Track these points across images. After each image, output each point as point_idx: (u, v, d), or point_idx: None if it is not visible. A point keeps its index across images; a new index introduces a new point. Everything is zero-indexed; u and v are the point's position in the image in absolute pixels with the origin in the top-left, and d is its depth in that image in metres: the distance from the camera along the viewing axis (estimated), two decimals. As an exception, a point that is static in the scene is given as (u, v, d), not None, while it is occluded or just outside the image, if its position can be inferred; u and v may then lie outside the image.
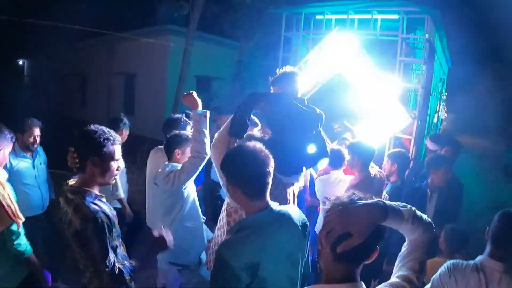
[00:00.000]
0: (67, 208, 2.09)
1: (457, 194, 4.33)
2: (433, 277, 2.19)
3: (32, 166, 4.14)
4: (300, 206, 2.34)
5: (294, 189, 3.21)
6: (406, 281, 1.44)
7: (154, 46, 13.49)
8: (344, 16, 6.64)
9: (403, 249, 1.58)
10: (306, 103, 3.20)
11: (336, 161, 4.30)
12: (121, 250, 2.32)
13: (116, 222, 2.27)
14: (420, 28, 6.47)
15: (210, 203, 5.11)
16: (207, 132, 3.18)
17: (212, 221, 4.24)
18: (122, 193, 4.50)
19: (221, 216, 2.93)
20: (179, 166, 3.37)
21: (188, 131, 4.29)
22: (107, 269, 2.05)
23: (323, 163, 4.39)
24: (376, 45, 6.48)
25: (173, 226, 3.35)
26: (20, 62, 28.42)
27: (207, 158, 3.20)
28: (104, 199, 2.26)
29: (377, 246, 1.41)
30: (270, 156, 1.98)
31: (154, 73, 15.05)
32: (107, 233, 2.09)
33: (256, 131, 3.78)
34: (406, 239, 1.59)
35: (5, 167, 3.12)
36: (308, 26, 7.24)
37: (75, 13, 14.45)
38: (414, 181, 4.94)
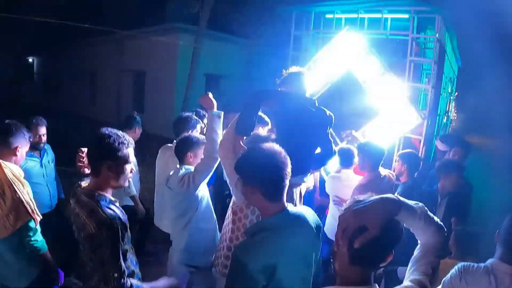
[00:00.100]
0: (80, 211, 2.09)
1: (467, 196, 4.30)
2: (444, 279, 2.18)
3: (40, 164, 4.16)
4: (309, 206, 2.34)
5: (301, 189, 3.21)
6: (420, 285, 1.44)
7: (163, 44, 13.51)
8: (354, 16, 6.61)
9: (416, 252, 1.58)
10: (317, 104, 3.20)
11: (347, 160, 4.30)
12: (131, 254, 2.32)
13: (128, 226, 2.27)
14: (430, 28, 6.43)
15: (219, 201, 5.11)
16: (220, 132, 3.18)
17: (220, 220, 4.25)
18: (134, 190, 4.53)
19: (227, 214, 2.94)
20: (192, 168, 3.36)
21: (198, 130, 4.31)
22: (116, 275, 2.06)
23: (334, 164, 4.40)
24: (386, 44, 6.45)
25: (188, 228, 3.36)
26: (30, 60, 28.58)
27: (215, 156, 3.21)
28: (117, 204, 2.26)
29: (393, 250, 1.42)
30: (288, 158, 1.99)
31: (164, 70, 15.07)
32: (120, 239, 2.10)
33: (262, 130, 3.78)
34: (419, 241, 1.59)
35: (14, 166, 3.17)
36: (318, 25, 7.21)
37: (85, 10, 14.56)
38: (423, 181, 4.91)
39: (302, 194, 3.31)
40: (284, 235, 1.91)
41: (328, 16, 7.21)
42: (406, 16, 6.20)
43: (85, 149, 2.38)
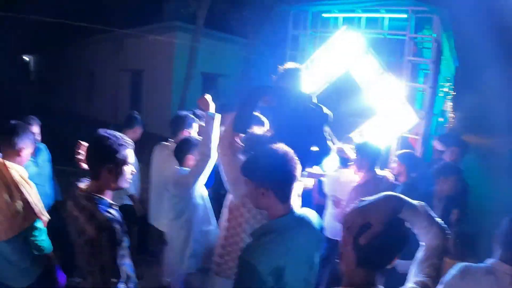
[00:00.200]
0: (79, 214, 2.07)
1: (464, 196, 4.31)
2: (443, 279, 2.18)
3: (34, 164, 4.13)
4: (308, 205, 2.34)
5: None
6: (424, 287, 1.44)
7: (161, 43, 13.51)
8: (351, 15, 6.61)
9: (419, 254, 1.58)
10: (316, 101, 3.18)
11: (346, 160, 4.31)
12: (128, 259, 2.30)
13: (126, 230, 2.25)
14: (428, 27, 6.42)
15: (218, 203, 5.12)
16: (213, 134, 3.18)
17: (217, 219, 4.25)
18: (133, 189, 4.51)
19: (222, 213, 2.93)
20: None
21: (195, 129, 4.31)
22: (114, 280, 2.05)
23: (331, 164, 4.39)
24: (384, 44, 6.44)
25: (186, 229, 3.38)
26: (27, 58, 28.49)
27: (212, 159, 3.20)
28: (116, 207, 2.25)
29: (399, 253, 1.44)
30: (296, 157, 2.01)
31: (161, 69, 15.07)
32: (119, 243, 2.08)
33: (259, 129, 3.77)
34: (421, 243, 1.59)
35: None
36: (315, 24, 7.21)
37: (83, 9, 14.52)
38: (422, 181, 4.92)
39: (299, 193, 3.31)
40: (292, 237, 1.92)
41: (325, 15, 7.20)
42: (404, 15, 6.20)
43: (84, 143, 2.35)
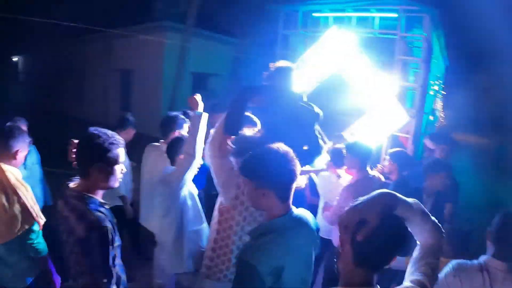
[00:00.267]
0: (69, 214, 2.04)
1: (453, 194, 4.34)
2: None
3: (23, 167, 4.07)
4: (300, 204, 2.32)
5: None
6: (420, 285, 1.45)
7: (150, 43, 13.43)
8: (342, 14, 6.62)
9: (415, 253, 1.59)
10: (306, 99, 3.16)
11: (338, 160, 4.30)
12: (119, 260, 2.26)
13: (117, 229, 2.22)
14: (418, 27, 6.45)
15: (207, 202, 5.09)
16: (199, 134, 3.15)
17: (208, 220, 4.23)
18: (123, 190, 4.47)
19: (213, 215, 2.89)
20: None
21: (186, 130, 4.28)
22: (105, 280, 2.01)
23: (321, 163, 4.38)
24: (374, 43, 6.46)
25: (175, 229, 3.35)
26: (15, 59, 28.24)
27: (196, 158, 3.17)
28: (107, 206, 2.21)
29: (398, 252, 1.44)
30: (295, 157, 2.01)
31: (151, 69, 14.99)
32: (110, 243, 2.04)
33: (249, 131, 3.74)
34: (417, 241, 1.60)
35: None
36: (306, 23, 7.21)
37: (71, 9, 14.40)
38: (411, 178, 4.95)
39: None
40: (290, 237, 1.93)
41: (315, 14, 7.20)
42: (394, 15, 6.22)
43: (77, 141, 2.32)
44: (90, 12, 15.08)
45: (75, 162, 2.23)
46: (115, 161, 2.14)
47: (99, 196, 2.17)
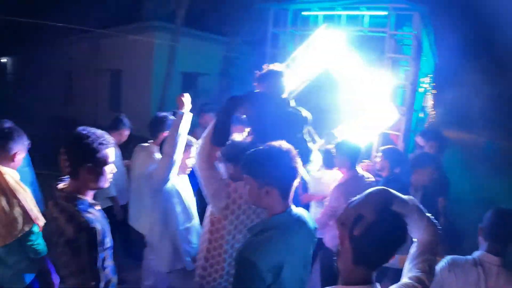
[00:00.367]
0: (58, 215, 2.02)
1: (443, 188, 4.36)
2: None
3: None
4: (295, 203, 2.33)
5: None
6: (418, 282, 1.46)
7: (140, 43, 13.38)
8: (332, 13, 6.61)
9: (412, 250, 1.60)
10: (294, 104, 3.15)
11: (329, 161, 4.30)
12: (110, 261, 2.23)
13: (109, 231, 2.20)
14: (408, 24, 6.47)
15: (201, 204, 5.08)
16: (180, 133, 3.08)
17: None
18: (114, 191, 4.43)
19: (204, 223, 2.88)
20: None
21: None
22: (94, 283, 1.99)
23: (314, 163, 4.39)
24: (364, 41, 6.46)
25: (161, 228, 3.32)
26: (3, 60, 28.02)
27: (174, 159, 3.10)
28: (98, 207, 2.19)
29: (397, 249, 1.45)
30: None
31: (140, 69, 14.95)
32: (99, 245, 2.02)
33: (238, 136, 3.72)
34: (414, 238, 1.62)
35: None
36: (295, 22, 7.20)
37: (59, 9, 14.27)
38: (402, 175, 4.97)
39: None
40: (290, 234, 1.94)
41: (305, 13, 7.19)
42: (384, 13, 6.22)
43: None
44: (79, 12, 14.96)
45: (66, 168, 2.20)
46: (105, 162, 2.12)
47: (89, 196, 2.15)
